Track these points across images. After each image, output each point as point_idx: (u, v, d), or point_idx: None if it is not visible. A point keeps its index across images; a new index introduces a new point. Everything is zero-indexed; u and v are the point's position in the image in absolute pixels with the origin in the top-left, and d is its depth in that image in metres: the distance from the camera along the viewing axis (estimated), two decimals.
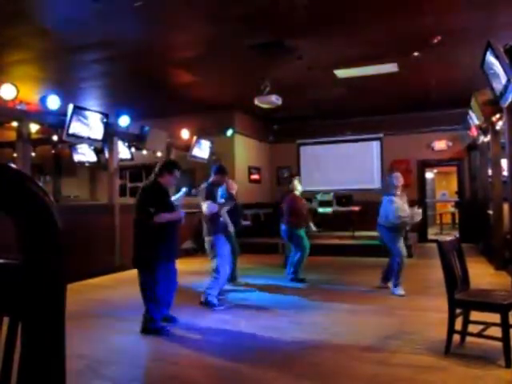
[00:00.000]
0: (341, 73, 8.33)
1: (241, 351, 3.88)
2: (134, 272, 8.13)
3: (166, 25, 6.25)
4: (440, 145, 11.67)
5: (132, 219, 4.46)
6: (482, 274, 6.67)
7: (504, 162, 6.91)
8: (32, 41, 6.56)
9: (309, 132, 12.73)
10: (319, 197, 11.26)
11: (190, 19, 6.05)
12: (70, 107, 6.94)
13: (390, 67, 7.99)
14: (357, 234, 10.92)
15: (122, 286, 6.73)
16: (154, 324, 4.30)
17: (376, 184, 12.32)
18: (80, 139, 7.38)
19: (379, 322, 4.58)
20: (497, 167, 7.30)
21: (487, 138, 7.76)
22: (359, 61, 7.73)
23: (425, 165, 12.28)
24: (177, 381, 3.28)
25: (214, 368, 3.50)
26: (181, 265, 8.63)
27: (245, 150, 12.09)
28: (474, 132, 8.89)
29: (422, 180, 12.26)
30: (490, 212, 7.58)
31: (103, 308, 5.45)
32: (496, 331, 3.40)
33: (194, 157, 10.39)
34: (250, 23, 6.19)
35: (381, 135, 12.31)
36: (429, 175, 15.35)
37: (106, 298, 6.04)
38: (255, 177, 12.56)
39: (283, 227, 6.85)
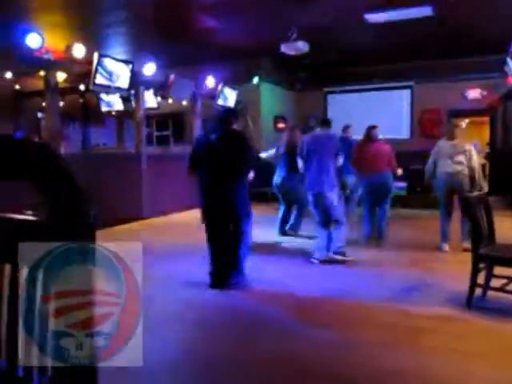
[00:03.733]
0: (372, 17, 7.96)
1: (270, 298, 4.01)
2: (161, 220, 8.37)
3: None
4: (473, 93, 11.21)
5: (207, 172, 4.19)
6: (510, 228, 6.60)
7: None
8: None
9: (337, 80, 12.38)
10: None
11: None
12: (95, 56, 6.91)
13: (425, 11, 7.58)
14: None
15: (155, 231, 6.98)
16: (244, 277, 4.30)
17: (405, 134, 12.06)
18: (106, 88, 7.40)
19: (403, 274, 4.63)
20: None
21: None
22: (392, 2, 7.33)
23: (457, 114, 11.86)
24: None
25: (239, 313, 3.66)
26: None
27: (271, 99, 11.90)
28: (510, 81, 8.48)
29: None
30: None
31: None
32: None
33: (220, 106, 10.31)
34: None
35: (411, 83, 11.88)
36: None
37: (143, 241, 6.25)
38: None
39: (386, 177, 6.12)
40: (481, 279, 3.71)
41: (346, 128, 8.00)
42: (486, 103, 11.14)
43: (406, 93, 12.05)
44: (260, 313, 3.66)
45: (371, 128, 6.42)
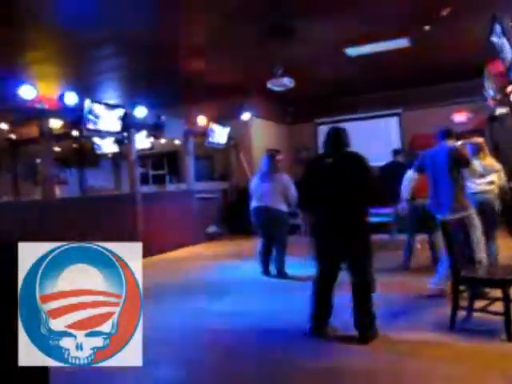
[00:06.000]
0: (352, 51, 8.27)
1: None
2: (160, 258, 8.37)
3: (176, 13, 6.32)
4: (460, 117, 11.44)
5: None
6: (500, 247, 6.61)
7: None
8: (46, 41, 6.80)
9: (326, 111, 12.66)
10: None
11: (201, 7, 6.12)
12: (87, 103, 7.16)
13: (402, 42, 7.88)
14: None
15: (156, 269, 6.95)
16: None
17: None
18: (98, 133, 7.65)
19: (388, 299, 4.64)
20: None
21: (504, 109, 7.61)
22: (370, 37, 7.65)
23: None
24: None
25: None
26: (214, 248, 8.93)
27: (262, 133, 12.14)
28: (491, 103, 8.71)
29: None
30: None
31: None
32: (500, 306, 3.46)
33: (212, 143, 10.56)
34: (256, 7, 6.21)
35: (399, 110, 12.16)
36: None
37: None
38: (279, 157, 12.57)
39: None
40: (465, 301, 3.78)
41: (397, 152, 7.68)
42: (473, 125, 11.35)
43: (395, 120, 12.30)
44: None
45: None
